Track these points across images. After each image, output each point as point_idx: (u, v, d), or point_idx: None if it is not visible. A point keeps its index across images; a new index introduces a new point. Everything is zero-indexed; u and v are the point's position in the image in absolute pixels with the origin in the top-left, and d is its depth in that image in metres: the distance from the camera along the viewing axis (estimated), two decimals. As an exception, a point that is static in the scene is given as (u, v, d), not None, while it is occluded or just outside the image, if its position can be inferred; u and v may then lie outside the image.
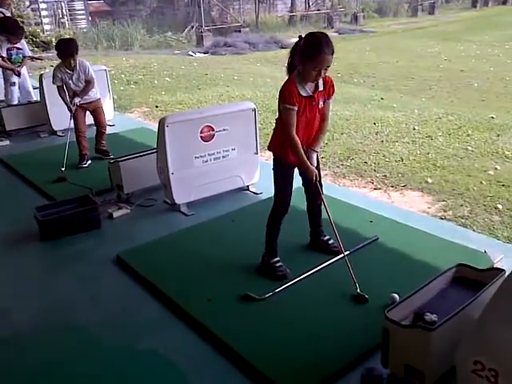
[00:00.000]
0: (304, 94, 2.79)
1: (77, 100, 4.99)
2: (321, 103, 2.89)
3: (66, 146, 5.09)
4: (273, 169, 3.07)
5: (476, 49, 14.69)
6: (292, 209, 3.66)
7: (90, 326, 2.81)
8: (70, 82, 4.94)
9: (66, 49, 4.86)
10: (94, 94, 5.16)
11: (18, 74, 6.93)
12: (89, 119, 5.34)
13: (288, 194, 3.05)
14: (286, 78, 2.86)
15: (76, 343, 2.69)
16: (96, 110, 5.22)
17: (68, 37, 5.68)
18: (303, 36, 2.75)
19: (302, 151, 2.85)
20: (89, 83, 5.00)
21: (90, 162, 5.21)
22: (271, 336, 2.61)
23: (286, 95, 2.76)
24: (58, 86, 5.00)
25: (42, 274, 3.44)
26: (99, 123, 5.29)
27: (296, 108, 2.77)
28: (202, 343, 2.62)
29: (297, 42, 2.78)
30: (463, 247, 3.32)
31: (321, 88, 2.85)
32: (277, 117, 2.99)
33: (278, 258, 3.13)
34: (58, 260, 3.59)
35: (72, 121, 5.16)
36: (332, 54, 2.68)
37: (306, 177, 2.97)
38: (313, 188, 3.06)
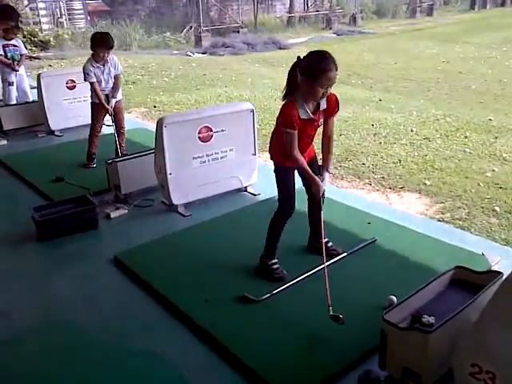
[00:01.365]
0: (305, 117, 2.79)
1: (114, 101, 4.91)
2: (321, 121, 2.90)
3: (114, 136, 4.99)
4: (275, 173, 3.06)
5: (474, 51, 14.72)
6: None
7: (87, 326, 2.80)
8: (102, 77, 4.83)
9: (106, 40, 4.78)
10: (119, 93, 5.07)
11: (16, 70, 6.89)
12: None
13: (293, 198, 3.05)
14: (287, 100, 2.81)
15: (73, 343, 2.68)
16: (119, 111, 5.11)
17: (104, 31, 5.49)
18: (304, 56, 2.73)
19: (306, 164, 2.86)
20: (118, 79, 4.91)
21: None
22: (268, 338, 2.60)
23: (288, 120, 2.76)
24: (92, 83, 4.80)
25: (40, 274, 3.42)
26: (119, 123, 5.14)
27: (296, 132, 2.78)
28: (199, 344, 2.61)
29: (295, 64, 2.76)
30: (461, 249, 3.32)
31: (323, 107, 2.85)
32: (275, 122, 2.96)
33: (276, 260, 3.13)
34: (56, 260, 3.58)
35: (111, 118, 5.01)
36: (336, 69, 2.69)
37: (313, 190, 2.96)
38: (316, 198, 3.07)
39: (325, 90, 2.70)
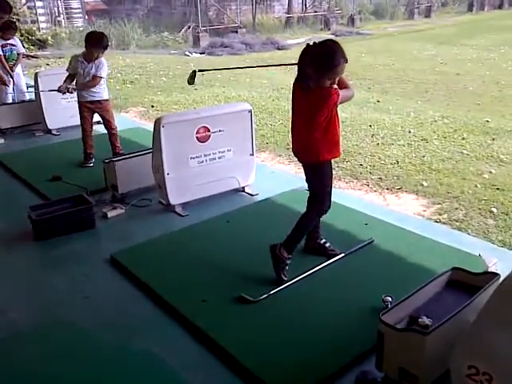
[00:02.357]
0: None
1: (70, 86, 4.93)
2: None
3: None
4: (319, 173, 3.04)
5: (472, 52, 14.75)
6: (287, 210, 3.67)
7: (84, 326, 2.79)
8: (82, 72, 4.86)
9: (102, 40, 4.81)
10: (101, 94, 5.03)
11: (11, 77, 6.85)
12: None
13: (331, 193, 3.09)
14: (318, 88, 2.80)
15: (70, 343, 2.67)
16: (103, 111, 5.10)
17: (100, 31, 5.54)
18: (313, 44, 2.73)
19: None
20: (93, 79, 4.88)
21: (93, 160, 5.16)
22: (265, 338, 2.60)
23: (332, 93, 2.75)
24: (68, 74, 4.96)
25: (36, 273, 3.41)
26: (108, 125, 5.14)
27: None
28: (196, 344, 2.61)
29: (305, 51, 2.75)
30: (458, 251, 3.32)
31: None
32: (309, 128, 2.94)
33: (290, 261, 3.04)
34: (52, 260, 3.57)
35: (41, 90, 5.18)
36: (346, 61, 2.71)
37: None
38: None
39: (333, 82, 2.73)
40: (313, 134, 2.91)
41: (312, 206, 3.08)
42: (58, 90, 5.00)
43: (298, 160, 3.19)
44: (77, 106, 5.16)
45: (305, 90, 2.83)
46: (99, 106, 5.06)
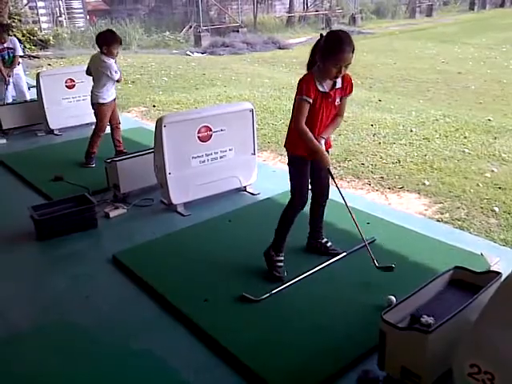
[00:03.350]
0: (321, 89, 2.81)
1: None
2: (337, 100, 2.91)
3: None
4: (289, 167, 3.05)
5: (473, 51, 14.73)
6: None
7: (85, 326, 2.79)
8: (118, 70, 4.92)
9: (117, 37, 4.83)
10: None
11: (6, 81, 6.83)
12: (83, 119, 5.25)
13: (306, 191, 3.05)
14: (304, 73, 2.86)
15: (71, 343, 2.67)
16: (115, 107, 5.20)
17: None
18: (325, 34, 2.78)
19: (314, 140, 2.84)
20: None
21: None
22: (267, 337, 2.60)
23: (304, 87, 2.77)
24: (119, 80, 5.00)
25: (38, 273, 3.42)
26: (115, 120, 5.18)
27: (311, 100, 2.78)
28: (198, 344, 2.61)
29: (318, 40, 2.81)
30: (460, 250, 3.32)
31: (338, 85, 2.88)
32: (290, 116, 2.97)
33: (281, 258, 3.10)
34: (54, 259, 3.57)
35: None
36: (353, 51, 2.72)
37: (321, 164, 2.91)
38: (321, 183, 3.11)
39: (338, 69, 2.72)
40: (291, 124, 2.95)
41: (289, 200, 3.09)
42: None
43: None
44: (79, 106, 5.18)
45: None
46: (114, 104, 5.13)
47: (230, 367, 2.45)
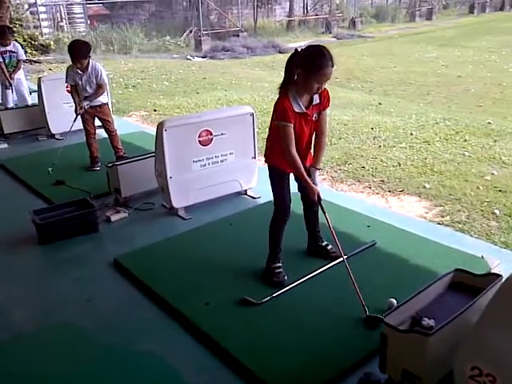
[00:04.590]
0: (297, 110, 2.80)
1: (85, 103, 4.96)
2: (315, 115, 2.90)
3: (60, 149, 5.14)
4: (269, 177, 3.07)
5: (473, 54, 14.76)
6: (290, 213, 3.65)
7: (87, 328, 2.80)
8: (80, 82, 4.92)
9: (77, 50, 4.83)
10: (100, 98, 5.09)
11: (10, 84, 6.90)
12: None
13: (287, 200, 3.06)
14: (281, 93, 2.83)
15: (73, 345, 2.68)
16: (103, 115, 5.16)
17: (81, 39, 5.55)
18: (302, 49, 2.76)
19: (302, 168, 2.85)
20: (100, 88, 4.97)
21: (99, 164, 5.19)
22: (269, 340, 2.61)
23: (282, 112, 2.77)
24: (70, 85, 5.02)
25: (40, 277, 3.43)
26: (106, 127, 5.21)
27: (292, 124, 2.78)
28: (199, 347, 2.62)
29: (293, 55, 2.78)
30: (460, 252, 3.33)
31: (316, 101, 2.86)
32: (269, 126, 2.99)
33: (279, 264, 3.12)
34: (56, 263, 3.58)
35: (73, 123, 5.16)
36: (333, 66, 2.70)
37: (308, 195, 2.95)
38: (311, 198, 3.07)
39: (320, 85, 2.71)
40: (270, 136, 2.97)
41: (273, 211, 3.12)
42: (77, 115, 5.04)
43: None
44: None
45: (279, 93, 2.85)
46: (98, 111, 5.13)
47: (231, 369, 2.45)
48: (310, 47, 2.77)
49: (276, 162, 2.97)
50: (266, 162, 3.08)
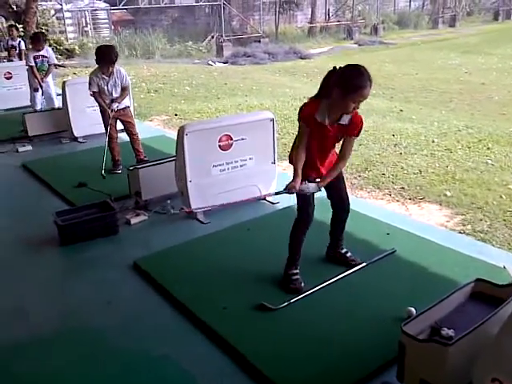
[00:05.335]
0: (319, 120, 2.81)
1: (115, 106, 5.02)
2: (338, 136, 2.90)
3: (104, 151, 5.16)
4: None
5: (497, 62, 14.55)
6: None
7: (106, 331, 2.83)
8: (106, 88, 4.98)
9: (106, 56, 4.88)
10: (126, 100, 5.20)
11: (40, 86, 7.11)
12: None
13: (311, 206, 3.05)
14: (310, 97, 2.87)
15: (92, 347, 2.71)
16: (125, 117, 5.23)
17: (108, 44, 5.62)
18: (341, 67, 2.76)
19: (298, 166, 2.87)
20: (125, 90, 5.06)
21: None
22: (285, 347, 2.60)
23: (305, 115, 2.83)
24: (94, 93, 5.02)
25: (61, 278, 3.48)
26: (129, 130, 5.27)
27: (308, 129, 2.83)
28: (217, 351, 2.62)
29: (331, 72, 2.79)
30: (482, 262, 3.28)
31: (344, 122, 2.83)
32: (297, 132, 3.00)
33: (296, 271, 3.11)
34: (77, 265, 3.63)
35: (108, 126, 5.18)
36: (371, 86, 2.70)
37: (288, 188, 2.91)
38: (341, 197, 3.17)
39: (356, 104, 2.71)
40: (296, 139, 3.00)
41: (296, 218, 3.12)
42: (110, 117, 5.07)
43: None
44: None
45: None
46: (122, 113, 5.19)
47: (248, 375, 2.45)
48: (349, 66, 2.74)
49: (304, 169, 2.95)
50: (290, 163, 3.08)
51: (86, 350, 2.70)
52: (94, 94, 5.05)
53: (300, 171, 2.87)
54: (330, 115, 2.81)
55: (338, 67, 2.79)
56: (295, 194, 3.03)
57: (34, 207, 4.64)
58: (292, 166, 3.00)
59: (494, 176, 5.24)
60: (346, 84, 2.68)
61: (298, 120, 2.87)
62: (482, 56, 15.75)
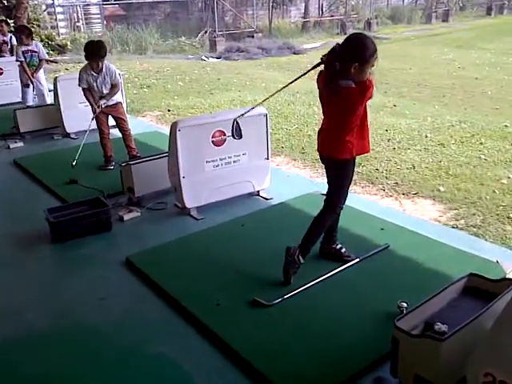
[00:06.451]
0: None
1: (102, 102, 4.99)
2: None
3: (80, 147, 5.14)
4: (335, 171, 3.04)
5: (490, 56, 14.58)
6: (302, 215, 3.66)
7: (99, 328, 2.82)
8: (95, 84, 4.94)
9: (95, 51, 4.85)
10: (117, 97, 5.18)
11: (31, 82, 7.04)
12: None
13: (347, 193, 3.09)
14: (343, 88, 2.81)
15: (85, 345, 2.70)
16: (117, 113, 5.20)
17: (97, 39, 5.55)
18: (346, 40, 2.78)
19: None
20: (115, 87, 5.03)
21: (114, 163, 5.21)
22: (279, 342, 2.59)
23: (370, 91, 2.83)
24: (83, 88, 4.99)
25: (53, 275, 3.46)
26: (121, 126, 5.24)
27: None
28: (211, 348, 2.61)
29: (337, 48, 2.76)
30: (475, 257, 3.28)
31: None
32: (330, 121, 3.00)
33: (303, 262, 3.06)
34: (69, 262, 3.61)
35: (91, 123, 5.20)
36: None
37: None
38: None
39: (371, 70, 2.78)
40: (332, 131, 2.97)
41: (328, 205, 3.08)
42: (95, 115, 5.06)
43: (321, 158, 3.17)
44: (94, 110, 5.24)
45: (334, 92, 2.84)
46: (113, 109, 5.16)
47: (242, 371, 2.44)
48: (356, 35, 2.82)
49: (347, 153, 2.94)
50: (332, 156, 3.02)
51: (80, 347, 2.68)
52: (83, 91, 5.01)
53: None
54: None
55: (340, 43, 2.78)
56: (334, 183, 3.04)
57: (25, 204, 4.61)
58: (335, 158, 3.01)
59: (487, 171, 5.25)
60: (363, 55, 2.72)
61: (366, 101, 2.85)
62: (475, 51, 15.76)
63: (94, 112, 5.06)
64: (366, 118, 2.97)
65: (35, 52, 7.00)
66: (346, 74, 2.77)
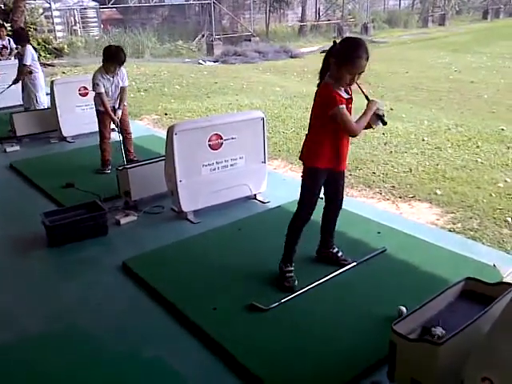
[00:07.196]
0: (344, 96, 2.79)
1: (120, 111, 4.99)
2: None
3: (120, 145, 5.10)
4: (303, 179, 3.02)
5: (486, 60, 14.65)
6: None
7: (95, 333, 2.80)
8: (110, 88, 4.91)
9: (117, 56, 4.80)
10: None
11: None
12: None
13: (314, 203, 3.04)
14: (321, 84, 2.81)
15: (81, 350, 2.68)
16: (124, 116, 5.16)
17: (119, 45, 5.46)
18: (339, 41, 2.77)
19: (363, 122, 2.86)
20: (124, 91, 5.01)
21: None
22: (276, 347, 2.58)
23: (336, 98, 2.72)
24: (99, 93, 4.84)
25: (49, 279, 3.44)
26: (124, 128, 5.20)
27: (345, 107, 2.76)
28: (208, 353, 2.60)
29: (332, 47, 2.77)
30: (472, 260, 3.28)
31: (347, 96, 2.85)
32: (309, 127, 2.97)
33: (291, 268, 3.09)
34: (65, 266, 3.59)
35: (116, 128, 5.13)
36: (367, 59, 2.69)
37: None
38: (337, 193, 3.15)
39: (352, 77, 2.69)
40: (308, 136, 2.95)
41: (296, 212, 3.08)
42: (116, 125, 5.03)
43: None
44: (92, 114, 5.23)
45: (317, 88, 2.85)
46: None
47: (239, 377, 2.43)
48: (346, 38, 2.79)
49: (313, 161, 2.92)
50: (304, 163, 3.02)
51: (76, 352, 2.66)
52: (100, 96, 4.87)
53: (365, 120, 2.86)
54: (341, 89, 2.79)
55: (337, 41, 2.78)
56: (302, 190, 3.01)
57: (21, 208, 4.59)
58: (304, 163, 3.01)
59: (484, 174, 5.26)
60: (341, 54, 2.68)
61: (335, 106, 2.71)
62: (472, 54, 15.84)
63: (117, 125, 5.01)
64: (343, 136, 2.89)
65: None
66: (325, 69, 2.79)
